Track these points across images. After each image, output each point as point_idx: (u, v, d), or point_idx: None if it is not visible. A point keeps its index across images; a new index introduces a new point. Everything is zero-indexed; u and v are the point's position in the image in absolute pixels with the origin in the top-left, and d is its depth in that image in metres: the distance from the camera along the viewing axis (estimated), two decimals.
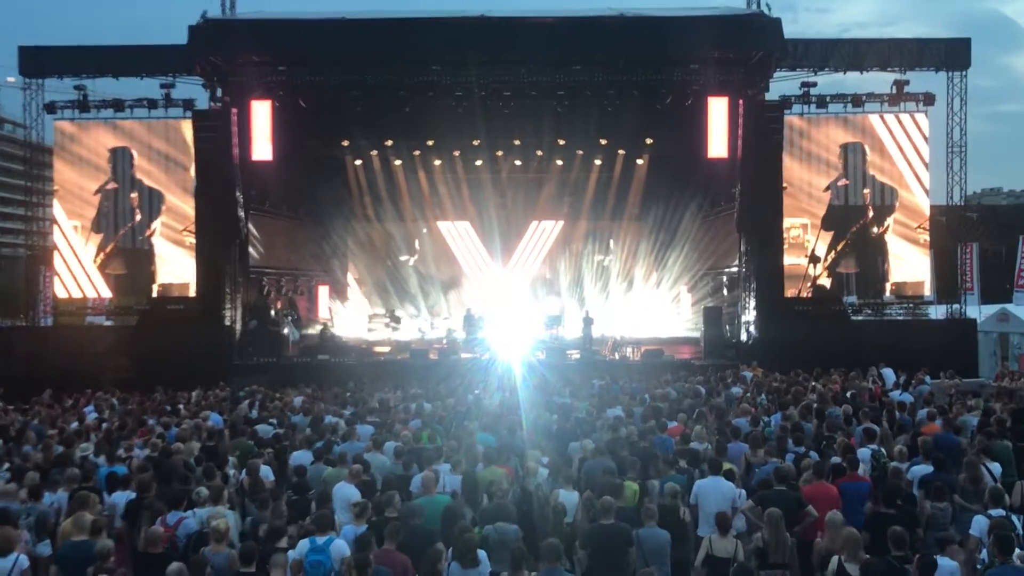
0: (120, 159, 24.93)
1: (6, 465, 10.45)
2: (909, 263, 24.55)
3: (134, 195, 24.87)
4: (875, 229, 24.52)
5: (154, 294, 24.54)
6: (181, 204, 24.64)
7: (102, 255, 24.91)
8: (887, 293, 24.52)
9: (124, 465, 10.20)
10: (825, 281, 24.40)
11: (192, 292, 23.83)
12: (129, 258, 24.98)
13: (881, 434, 11.23)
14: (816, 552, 7.66)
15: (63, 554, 7.45)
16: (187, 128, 24.31)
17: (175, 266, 24.74)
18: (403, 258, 30.51)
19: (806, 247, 24.31)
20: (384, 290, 30.23)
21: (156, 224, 24.89)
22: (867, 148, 24.41)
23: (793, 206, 24.06)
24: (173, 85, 24.21)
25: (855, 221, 24.55)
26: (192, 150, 23.97)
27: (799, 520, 8.08)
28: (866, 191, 24.51)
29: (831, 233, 24.42)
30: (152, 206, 24.91)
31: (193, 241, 23.85)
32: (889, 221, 24.50)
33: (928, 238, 24.61)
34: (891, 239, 24.49)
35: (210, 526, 7.43)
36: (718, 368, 20.01)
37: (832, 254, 24.40)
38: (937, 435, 10.76)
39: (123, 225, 24.94)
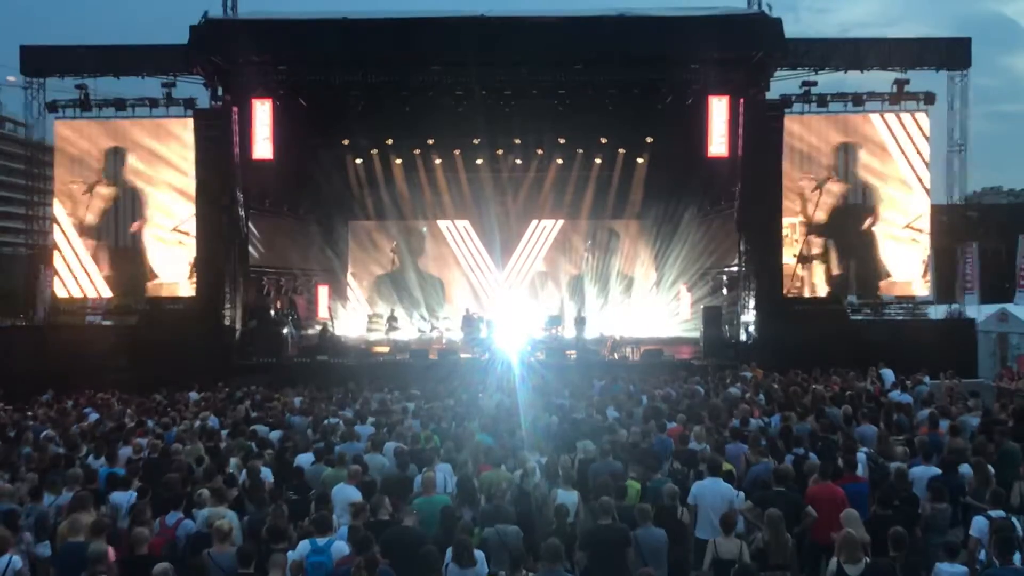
0: (112, 159, 24.89)
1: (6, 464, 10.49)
2: (906, 262, 24.47)
3: (121, 194, 24.86)
4: (862, 228, 24.42)
5: (147, 292, 24.59)
6: (173, 203, 24.63)
7: (95, 254, 24.94)
8: (879, 292, 24.41)
9: (125, 467, 10.19)
10: (819, 281, 24.32)
11: (182, 291, 24.03)
12: (118, 257, 24.95)
13: (879, 435, 11.24)
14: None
15: (62, 556, 7.45)
16: (179, 126, 24.38)
17: (166, 265, 24.72)
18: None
19: (796, 246, 24.25)
20: (384, 290, 30.25)
21: (141, 223, 24.85)
22: (859, 148, 24.34)
23: (785, 206, 23.94)
24: (174, 84, 24.23)
25: (845, 221, 24.45)
26: (184, 148, 24.08)
27: (799, 521, 8.07)
28: (853, 190, 24.42)
29: (822, 233, 24.35)
30: (135, 205, 24.89)
31: (183, 239, 24.00)
32: (871, 220, 24.37)
33: (918, 236, 24.44)
34: (882, 238, 24.37)
35: (213, 526, 7.43)
36: (717, 368, 20.04)
37: (823, 254, 24.31)
38: (928, 436, 10.74)
39: (113, 224, 24.91)
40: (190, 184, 24.01)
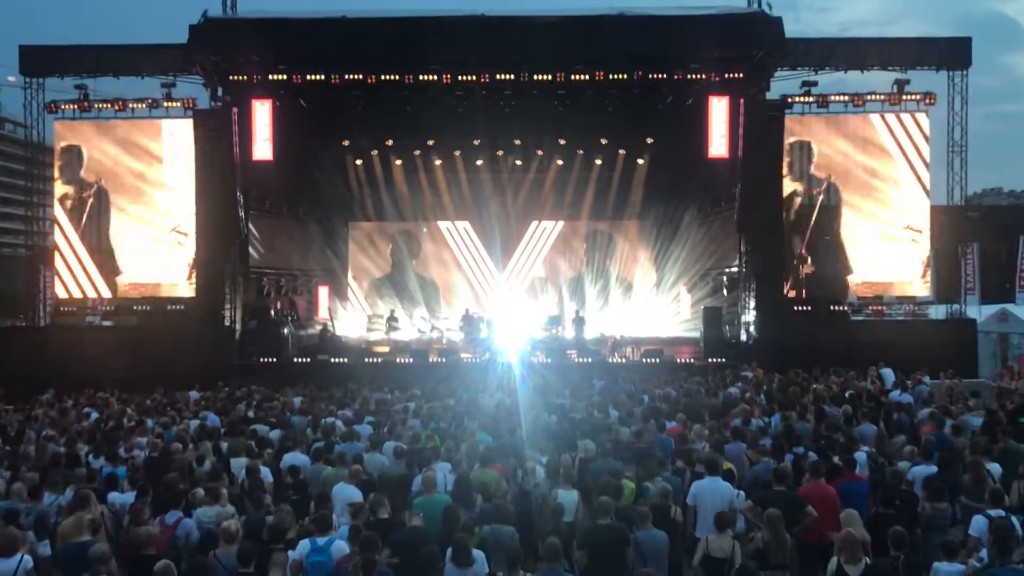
0: (72, 157, 24.69)
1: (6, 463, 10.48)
2: (904, 262, 24.40)
3: (87, 194, 24.71)
4: (831, 229, 24.08)
5: (118, 291, 24.50)
6: (162, 202, 24.53)
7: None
8: (850, 293, 24.00)
9: (125, 466, 10.19)
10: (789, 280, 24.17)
11: (164, 292, 24.07)
12: (94, 255, 24.79)
13: (879, 435, 11.23)
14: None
15: (62, 556, 7.43)
16: (168, 126, 24.33)
17: (146, 264, 24.61)
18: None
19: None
20: (384, 290, 30.26)
21: (108, 221, 24.65)
22: (813, 147, 24.03)
23: None
24: (174, 85, 24.16)
25: (804, 219, 24.05)
26: (183, 148, 24.02)
27: (798, 521, 8.06)
28: (813, 190, 24.08)
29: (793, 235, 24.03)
30: (102, 204, 24.71)
31: (182, 240, 24.02)
32: (838, 221, 24.03)
33: (917, 237, 24.33)
34: (874, 237, 24.17)
35: (221, 527, 7.42)
36: (718, 368, 20.05)
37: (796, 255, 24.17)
38: (934, 435, 10.73)
39: (85, 223, 24.76)
40: (189, 184, 23.95)
